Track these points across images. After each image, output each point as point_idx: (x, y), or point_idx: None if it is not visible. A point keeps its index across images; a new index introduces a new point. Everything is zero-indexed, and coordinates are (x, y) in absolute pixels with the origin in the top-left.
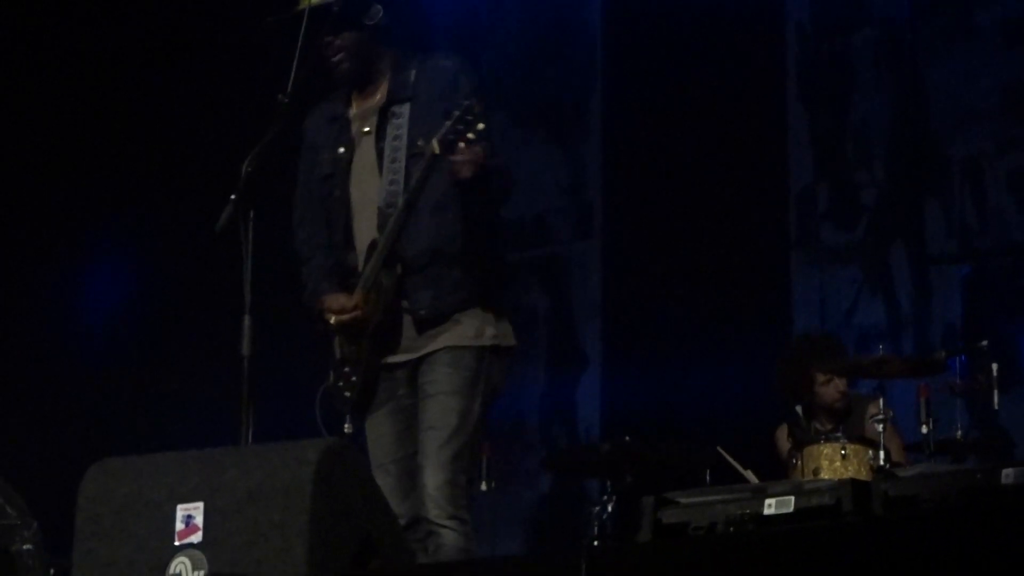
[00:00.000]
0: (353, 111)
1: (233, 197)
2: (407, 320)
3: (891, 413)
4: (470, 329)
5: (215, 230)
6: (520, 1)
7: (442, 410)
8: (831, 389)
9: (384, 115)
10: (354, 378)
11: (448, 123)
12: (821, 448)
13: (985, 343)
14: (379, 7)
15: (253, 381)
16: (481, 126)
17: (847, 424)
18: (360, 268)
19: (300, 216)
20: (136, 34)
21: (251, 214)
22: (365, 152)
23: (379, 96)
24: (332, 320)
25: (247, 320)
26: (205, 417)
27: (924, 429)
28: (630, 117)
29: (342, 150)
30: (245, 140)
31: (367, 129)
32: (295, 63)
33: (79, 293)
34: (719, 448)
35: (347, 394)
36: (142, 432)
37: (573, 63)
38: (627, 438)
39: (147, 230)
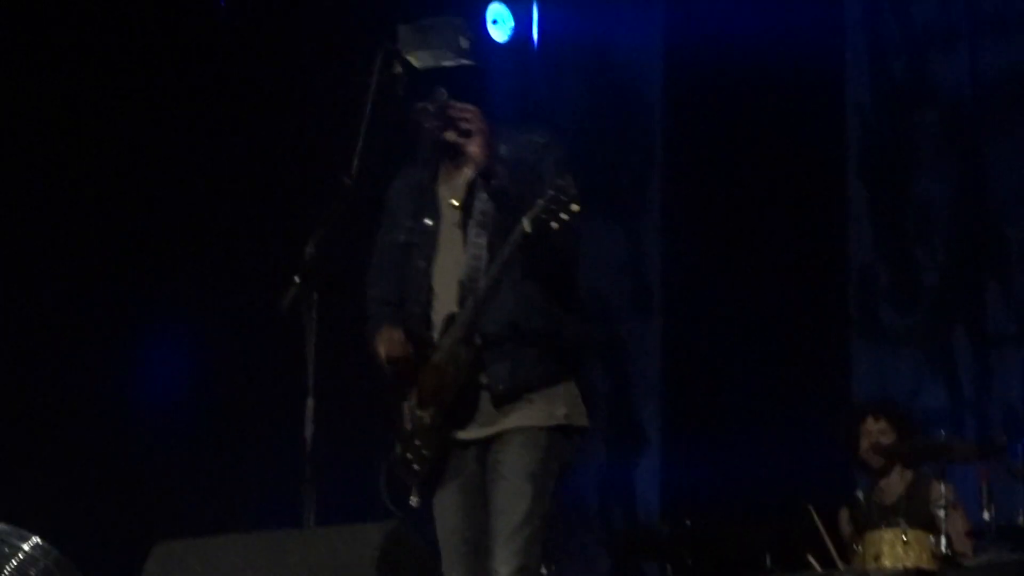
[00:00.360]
0: (441, 183)
1: (297, 279)
2: (483, 395)
3: (953, 496)
4: (544, 409)
5: (279, 311)
6: (580, 78)
7: (515, 494)
8: (872, 441)
9: (471, 188)
10: (425, 452)
11: (541, 202)
12: (882, 534)
13: None
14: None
15: (316, 463)
16: (575, 207)
17: (912, 506)
18: (436, 340)
19: (374, 278)
20: (196, 120)
21: (314, 296)
22: (451, 225)
23: (468, 169)
24: (382, 351)
25: (310, 402)
26: (268, 499)
27: (985, 515)
28: (689, 195)
29: (429, 222)
30: (309, 222)
31: (455, 202)
32: (360, 143)
33: (144, 373)
34: (809, 507)
35: (416, 467)
36: (205, 513)
37: (633, 141)
38: (688, 522)
39: (211, 311)
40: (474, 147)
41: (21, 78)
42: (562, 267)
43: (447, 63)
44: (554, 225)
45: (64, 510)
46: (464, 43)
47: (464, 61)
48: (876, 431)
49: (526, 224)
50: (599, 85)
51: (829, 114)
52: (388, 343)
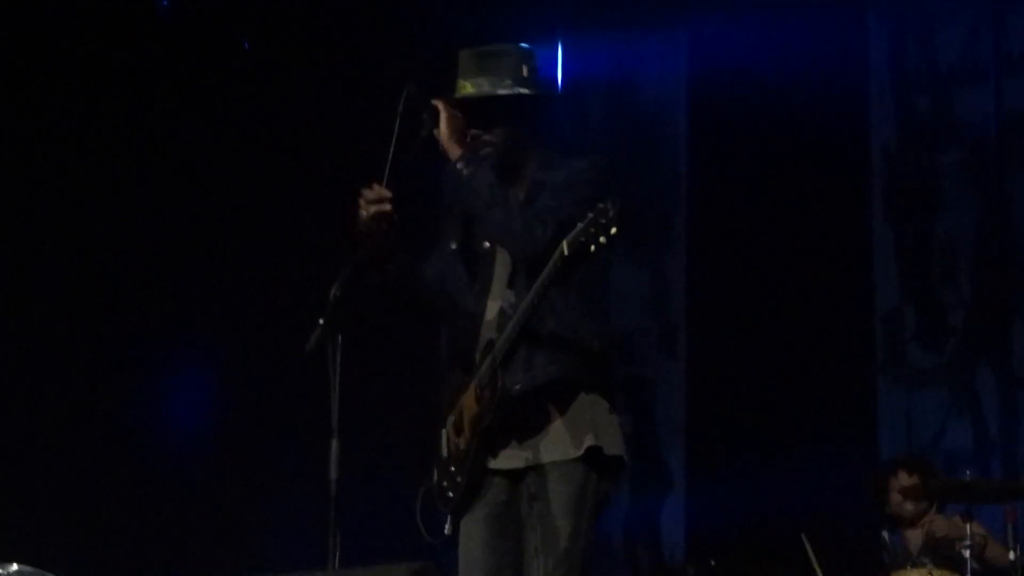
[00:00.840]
0: None
1: (321, 321)
2: (516, 425)
3: (980, 530)
4: (574, 435)
5: (303, 354)
6: (604, 117)
7: (551, 533)
8: (898, 495)
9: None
10: (459, 478)
11: (580, 225)
12: (908, 574)
13: None
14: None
15: (340, 504)
16: (614, 230)
17: (937, 549)
18: (477, 363)
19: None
20: (225, 162)
21: (339, 338)
22: (502, 254)
23: (522, 195)
24: (361, 206)
25: (335, 443)
26: (293, 540)
27: (1011, 555)
28: (715, 235)
29: (487, 244)
30: (333, 263)
31: None
32: (385, 182)
33: (168, 416)
34: (803, 535)
35: (450, 494)
36: (230, 555)
37: (657, 180)
38: (712, 562)
39: (236, 353)
40: None
41: (61, 124)
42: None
43: (503, 91)
44: (592, 248)
45: (88, 552)
46: (526, 71)
47: (522, 90)
48: (909, 485)
49: (565, 247)
50: (623, 124)
51: (854, 153)
52: (368, 200)
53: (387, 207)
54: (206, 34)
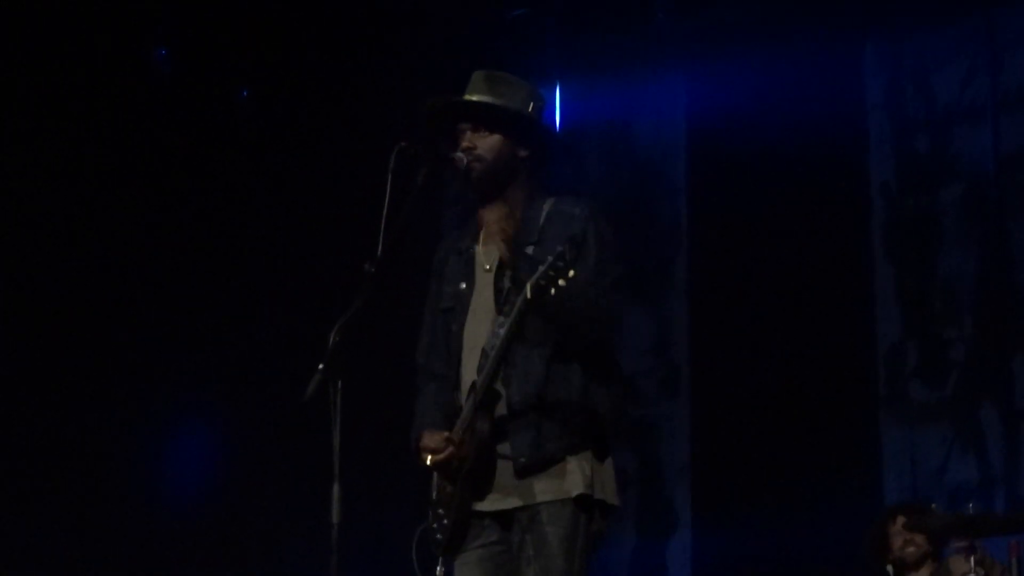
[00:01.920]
0: (479, 247)
1: (321, 367)
2: (503, 466)
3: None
4: (570, 482)
5: (303, 399)
6: (602, 160)
7: (545, 574)
8: (903, 538)
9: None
10: (446, 521)
11: (541, 268)
12: None
13: None
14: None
15: (342, 548)
16: (572, 273)
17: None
18: (462, 407)
19: (422, 346)
20: (220, 211)
21: (339, 383)
22: (484, 290)
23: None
24: (427, 459)
25: (336, 488)
26: None
27: None
28: (716, 277)
29: (463, 285)
30: (333, 309)
31: (488, 267)
32: (382, 231)
33: (169, 462)
34: None
35: (439, 536)
36: None
37: (658, 224)
38: None
39: (236, 399)
40: (503, 250)
41: (62, 176)
42: (581, 337)
43: (512, 106)
44: (552, 291)
45: None
46: (532, 108)
47: (529, 113)
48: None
49: (528, 290)
50: (622, 167)
51: (854, 193)
52: (432, 450)
53: (447, 454)
54: (204, 84)
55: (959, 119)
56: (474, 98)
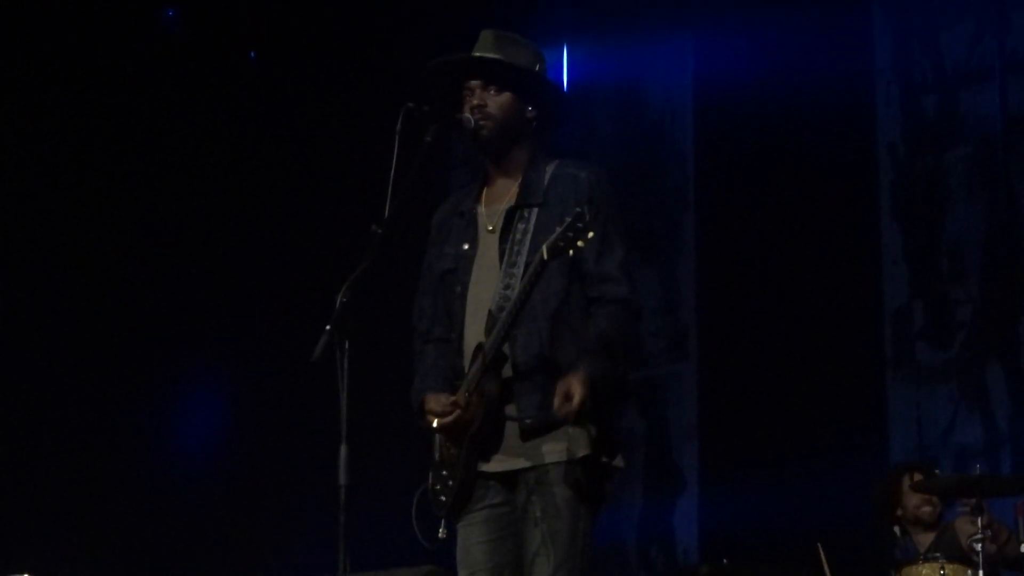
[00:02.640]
0: (482, 208)
1: (328, 327)
2: (510, 427)
3: (988, 519)
4: (576, 444)
5: (311, 360)
6: (610, 121)
7: (550, 535)
8: (919, 497)
9: (511, 217)
10: (451, 482)
11: (559, 229)
12: (920, 569)
13: None
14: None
15: (350, 510)
16: (591, 234)
17: (944, 543)
18: (466, 370)
19: (420, 309)
20: (229, 173)
21: (346, 344)
22: (487, 252)
23: (509, 196)
24: (434, 422)
25: (344, 449)
26: (303, 546)
27: (1022, 548)
28: (724, 238)
29: (466, 246)
30: (340, 271)
31: (491, 228)
32: (390, 192)
33: (178, 423)
34: (819, 545)
35: (443, 498)
36: (241, 562)
37: (665, 184)
38: (725, 560)
39: (244, 360)
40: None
41: (68, 138)
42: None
43: (521, 63)
44: (570, 252)
45: (99, 559)
46: (537, 69)
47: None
48: (918, 498)
49: (545, 251)
50: (630, 128)
51: (861, 154)
52: (440, 413)
53: (454, 417)
54: (212, 45)
55: (966, 80)
56: (487, 55)
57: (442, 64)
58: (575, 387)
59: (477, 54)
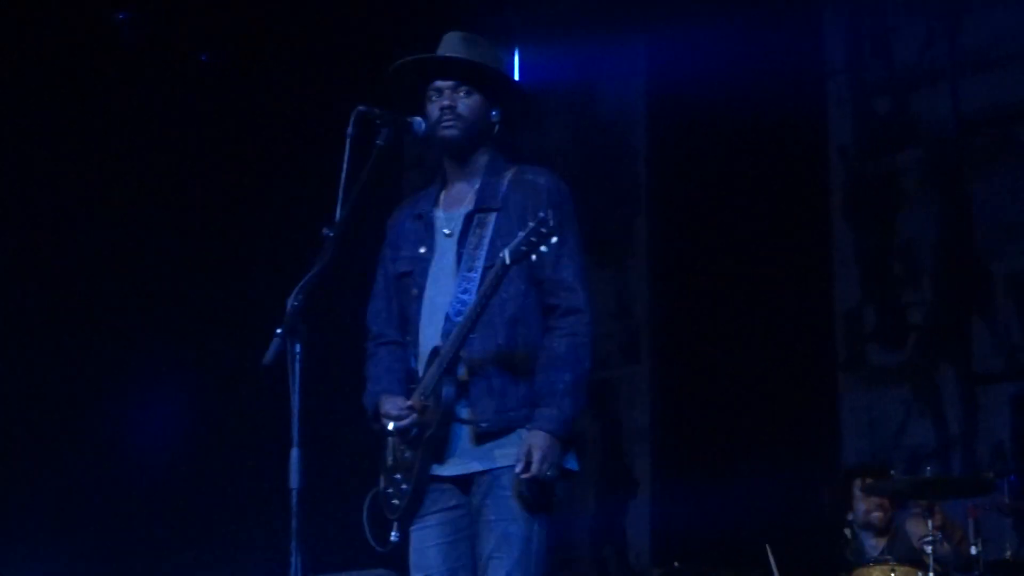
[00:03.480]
0: (439, 212)
1: (279, 331)
2: (464, 431)
3: (940, 520)
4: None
5: (263, 364)
6: (563, 123)
7: (504, 538)
8: (870, 503)
9: (469, 221)
10: (405, 486)
11: (522, 234)
12: (871, 571)
13: None
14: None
15: (302, 513)
16: (554, 239)
17: (895, 545)
18: (420, 373)
19: (374, 311)
20: (179, 175)
21: (297, 348)
22: (445, 256)
23: (467, 200)
24: (389, 425)
25: (295, 453)
26: (255, 550)
27: (973, 550)
28: (676, 240)
29: (423, 250)
30: (291, 274)
31: (448, 232)
32: (342, 193)
33: (130, 426)
34: (767, 547)
35: (396, 502)
36: (194, 566)
37: (619, 187)
38: (676, 563)
39: (196, 365)
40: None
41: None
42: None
43: (490, 64)
44: (532, 257)
45: (53, 562)
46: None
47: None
48: (871, 503)
49: (507, 256)
50: (582, 130)
51: (813, 156)
52: (395, 416)
53: (411, 420)
54: (164, 47)
55: (918, 82)
56: (466, 57)
57: (412, 64)
58: (535, 450)
59: (452, 55)
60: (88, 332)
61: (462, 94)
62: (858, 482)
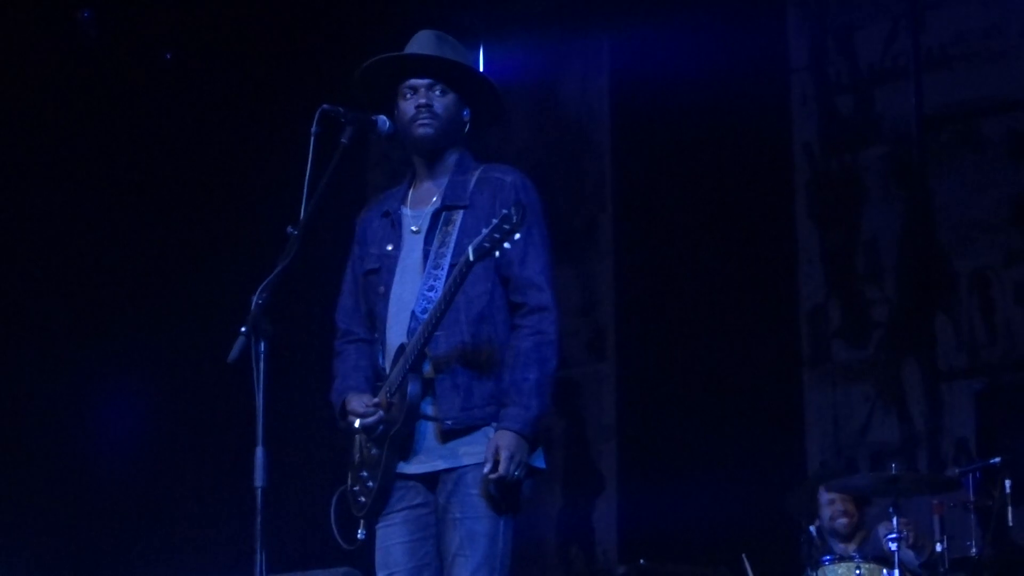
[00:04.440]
0: (407, 209)
1: (244, 330)
2: (430, 429)
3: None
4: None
5: (227, 362)
6: (527, 121)
7: (469, 536)
8: (834, 509)
9: (436, 219)
10: (371, 483)
11: (485, 230)
12: (836, 568)
13: (998, 460)
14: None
15: (267, 511)
16: (517, 235)
17: (865, 549)
18: (387, 371)
19: (342, 308)
20: (142, 174)
21: (262, 346)
22: (411, 253)
23: (434, 199)
24: (356, 422)
25: (260, 451)
26: (219, 548)
27: (939, 547)
28: (641, 238)
29: (390, 247)
30: (255, 273)
31: (415, 229)
32: (306, 191)
33: (92, 425)
34: (744, 556)
35: (362, 499)
36: (156, 563)
37: (584, 184)
38: (641, 561)
39: (160, 363)
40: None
41: None
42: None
43: (464, 62)
44: (496, 253)
45: (14, 563)
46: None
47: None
48: (838, 499)
49: (471, 253)
50: (546, 128)
51: (777, 153)
52: (362, 413)
53: (376, 418)
54: (128, 46)
55: (882, 79)
56: (445, 56)
57: (386, 61)
58: (502, 450)
59: (426, 54)
60: (51, 331)
61: (438, 92)
62: (822, 489)
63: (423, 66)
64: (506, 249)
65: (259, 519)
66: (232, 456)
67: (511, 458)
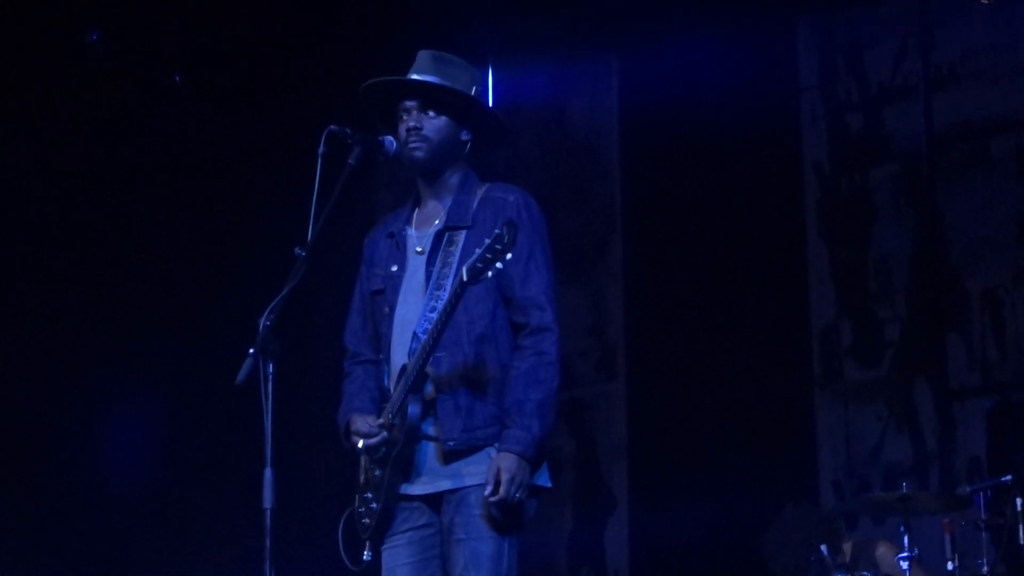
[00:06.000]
0: (412, 230)
1: (252, 351)
2: (433, 449)
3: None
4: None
5: (235, 384)
6: (536, 142)
7: (473, 557)
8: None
9: (439, 239)
10: (375, 504)
11: (478, 251)
12: None
13: (1009, 478)
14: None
15: (275, 532)
16: (510, 255)
17: (860, 568)
18: (392, 391)
19: (350, 330)
20: (151, 196)
21: (270, 367)
22: (415, 274)
23: (438, 219)
24: (359, 443)
25: (268, 473)
26: (228, 569)
27: (950, 565)
28: (651, 257)
29: (395, 268)
30: (263, 294)
31: (420, 250)
32: (314, 212)
33: (102, 445)
34: None
35: (367, 520)
36: None
37: (592, 203)
38: None
39: (169, 385)
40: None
41: None
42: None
43: (460, 88)
44: (489, 274)
45: None
46: (473, 92)
47: (474, 96)
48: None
49: (464, 273)
50: (556, 148)
51: (787, 172)
52: (365, 434)
53: (380, 439)
54: (136, 67)
55: (891, 98)
56: (426, 78)
57: (379, 85)
58: (503, 472)
59: (416, 76)
60: (61, 351)
61: (430, 114)
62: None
63: (412, 88)
64: (500, 269)
65: (268, 540)
66: (240, 477)
67: (512, 480)
